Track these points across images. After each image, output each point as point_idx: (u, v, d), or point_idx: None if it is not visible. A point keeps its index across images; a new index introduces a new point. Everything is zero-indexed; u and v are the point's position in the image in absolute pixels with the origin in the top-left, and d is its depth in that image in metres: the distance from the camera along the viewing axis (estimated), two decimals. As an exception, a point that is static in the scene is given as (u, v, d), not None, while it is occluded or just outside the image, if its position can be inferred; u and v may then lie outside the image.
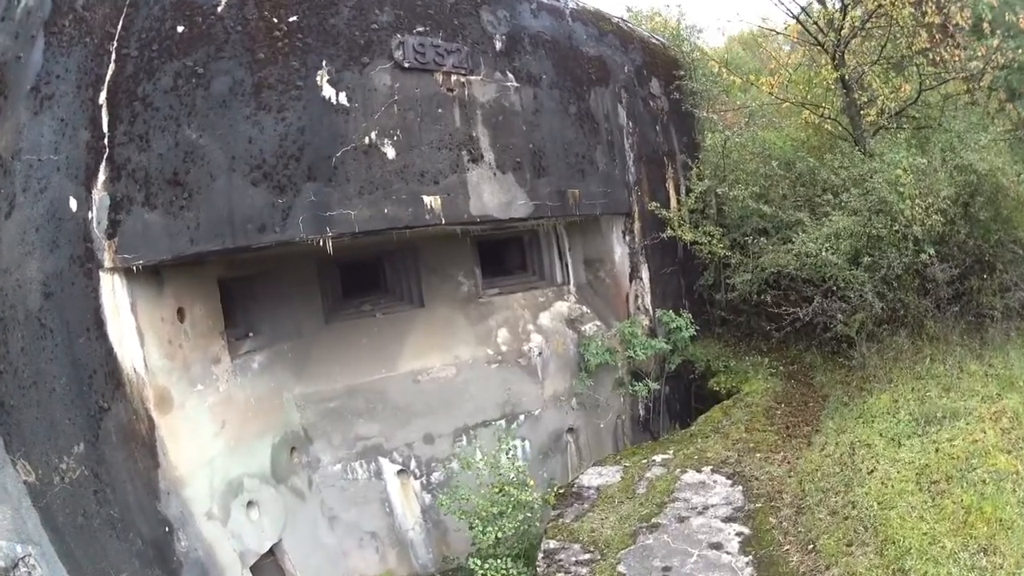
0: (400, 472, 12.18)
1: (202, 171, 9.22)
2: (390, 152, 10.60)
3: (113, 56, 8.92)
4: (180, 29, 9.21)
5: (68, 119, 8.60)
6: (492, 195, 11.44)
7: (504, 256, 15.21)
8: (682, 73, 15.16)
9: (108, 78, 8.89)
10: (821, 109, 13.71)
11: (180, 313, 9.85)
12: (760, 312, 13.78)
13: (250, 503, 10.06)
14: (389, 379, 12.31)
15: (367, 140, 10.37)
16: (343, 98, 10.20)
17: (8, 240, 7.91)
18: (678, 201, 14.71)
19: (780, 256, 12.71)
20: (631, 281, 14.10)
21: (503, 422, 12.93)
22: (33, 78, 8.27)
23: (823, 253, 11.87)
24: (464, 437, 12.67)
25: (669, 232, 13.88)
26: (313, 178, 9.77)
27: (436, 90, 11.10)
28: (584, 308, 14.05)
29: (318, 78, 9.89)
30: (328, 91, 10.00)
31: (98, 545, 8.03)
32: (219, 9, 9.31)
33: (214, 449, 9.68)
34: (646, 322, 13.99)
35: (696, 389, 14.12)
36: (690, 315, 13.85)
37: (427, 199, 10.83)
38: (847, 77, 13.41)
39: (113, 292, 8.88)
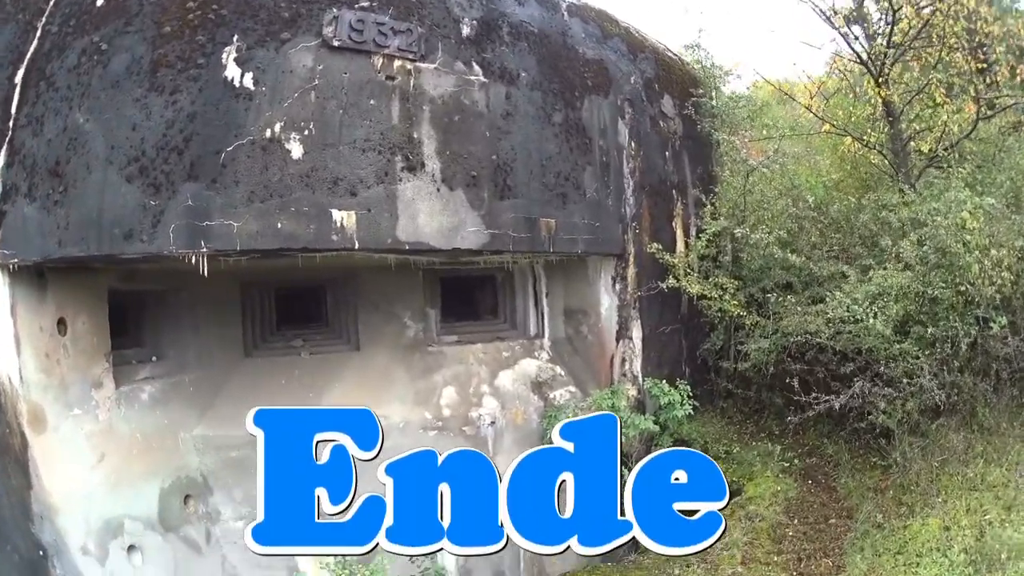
0: None
1: (81, 161, 8.04)
2: (296, 150, 8.40)
3: (38, 33, 8.36)
4: (99, 2, 8.31)
5: (-16, 98, 8.12)
6: (431, 216, 9.00)
7: (474, 296, 12.69)
8: (700, 91, 12.56)
9: (28, 56, 8.34)
10: (866, 137, 10.97)
11: (61, 324, 8.67)
12: (775, 386, 11.00)
13: (132, 547, 8.79)
14: None
15: (268, 133, 8.29)
16: (248, 80, 8.27)
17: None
18: (686, 244, 11.98)
19: (808, 319, 9.94)
20: (618, 340, 11.34)
21: None
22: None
23: (869, 319, 9.10)
24: None
25: (671, 282, 11.13)
26: (194, 177, 8.06)
27: (371, 76, 8.86)
28: (557, 369, 11.36)
29: (224, 55, 8.24)
30: (232, 71, 8.25)
31: (-21, 547, 7.82)
32: (140, -23, 8.23)
33: (91, 483, 8.52)
34: (633, 392, 11.21)
35: (689, 475, 11.27)
36: (689, 386, 11.00)
37: (337, 215, 8.51)
38: (895, 102, 10.81)
39: (-6, 290, 8.17)
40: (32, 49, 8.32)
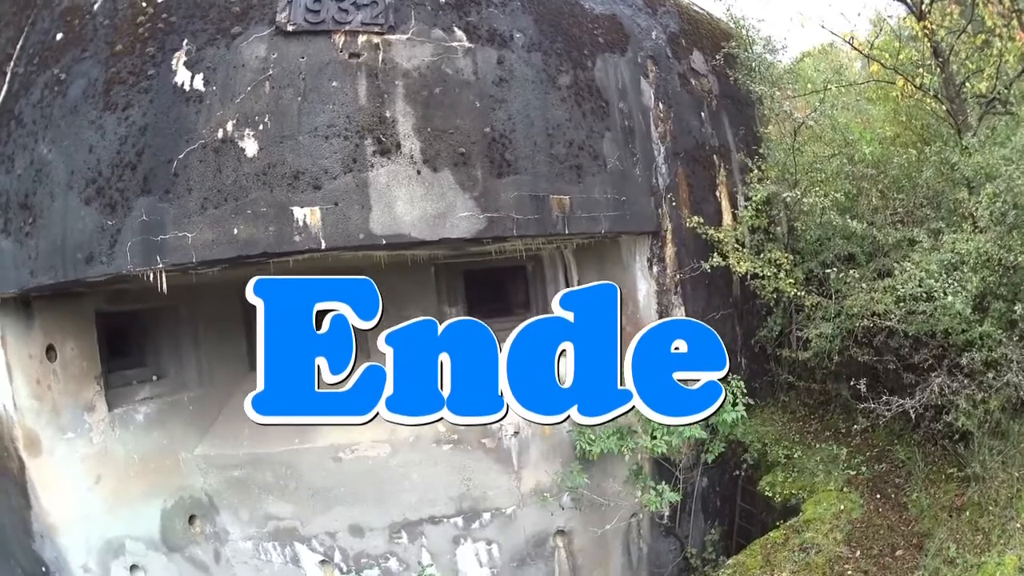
0: (323, 563, 9.72)
1: (46, 191, 7.95)
2: (250, 147, 7.71)
3: (8, 76, 8.39)
4: (59, 37, 8.28)
5: (-35, 143, 8.21)
6: (411, 204, 7.97)
7: (506, 290, 11.54)
8: (734, 44, 10.89)
9: (0, 99, 8.37)
10: (918, 79, 9.18)
11: (50, 351, 8.73)
12: (841, 375, 9.44)
13: (135, 567, 8.89)
14: (302, 452, 9.42)
15: (220, 134, 7.70)
16: (198, 82, 7.83)
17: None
18: (734, 216, 10.40)
19: (875, 298, 8.29)
20: (659, 331, 9.91)
21: (459, 520, 9.55)
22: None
23: (946, 296, 7.41)
24: (404, 534, 9.53)
25: (716, 260, 9.61)
26: (147, 190, 7.67)
27: (331, 57, 8.01)
28: (592, 368, 10.11)
29: (174, 62, 7.88)
30: (182, 76, 7.84)
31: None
32: (95, 7, 8.22)
33: (90, 504, 8.62)
34: (680, 391, 9.81)
35: (744, 483, 9.80)
36: (746, 379, 9.46)
37: (299, 212, 7.67)
38: (941, 38, 9.21)
39: (-17, 322, 8.39)
40: (3, 92, 8.32)
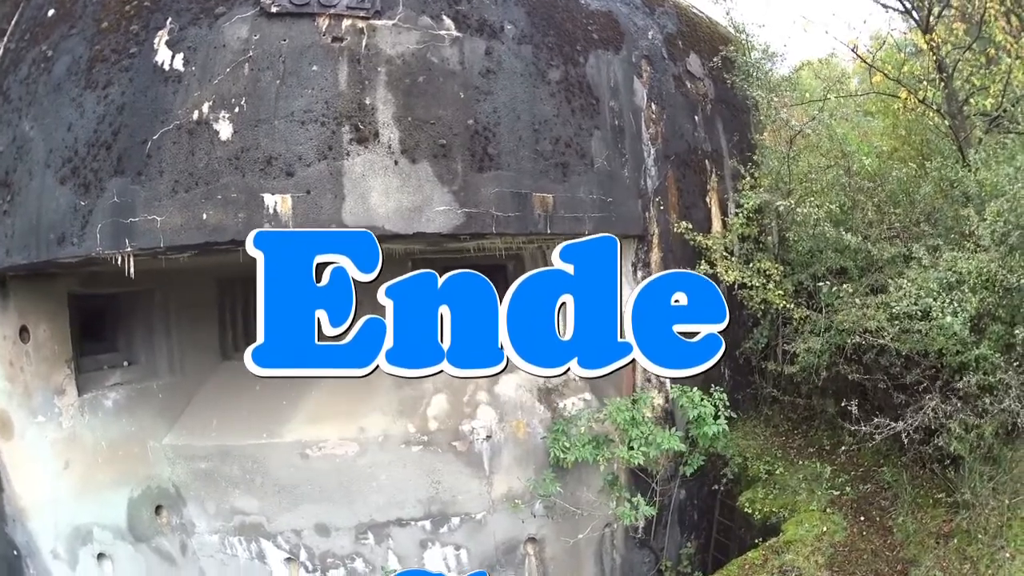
0: (288, 560, 9.50)
1: (25, 168, 7.93)
2: (225, 130, 7.51)
3: (1, 52, 8.43)
4: (51, 13, 8.26)
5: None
6: (387, 195, 7.73)
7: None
8: (732, 48, 10.59)
9: None
10: (921, 92, 8.95)
11: (24, 332, 8.66)
12: (827, 391, 9.19)
13: (102, 555, 8.85)
14: (270, 447, 9.19)
15: (195, 115, 7.52)
16: (178, 62, 7.69)
17: None
18: (724, 224, 10.13)
19: (868, 314, 7.99)
20: (641, 340, 9.63)
21: (427, 523, 9.24)
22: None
23: (944, 316, 7.11)
24: (371, 535, 9.24)
25: (704, 268, 9.30)
26: (121, 171, 7.55)
27: (314, 40, 7.78)
28: (570, 373, 9.82)
29: (156, 40, 7.75)
30: (163, 55, 7.71)
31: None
32: (86, -19, 8.16)
33: (59, 490, 8.60)
34: (659, 401, 9.50)
35: (724, 497, 9.52)
36: (729, 391, 9.16)
37: (270, 199, 7.45)
38: (946, 50, 9.02)
39: (-41, 301, 8.33)
40: (-4, 68, 8.36)
